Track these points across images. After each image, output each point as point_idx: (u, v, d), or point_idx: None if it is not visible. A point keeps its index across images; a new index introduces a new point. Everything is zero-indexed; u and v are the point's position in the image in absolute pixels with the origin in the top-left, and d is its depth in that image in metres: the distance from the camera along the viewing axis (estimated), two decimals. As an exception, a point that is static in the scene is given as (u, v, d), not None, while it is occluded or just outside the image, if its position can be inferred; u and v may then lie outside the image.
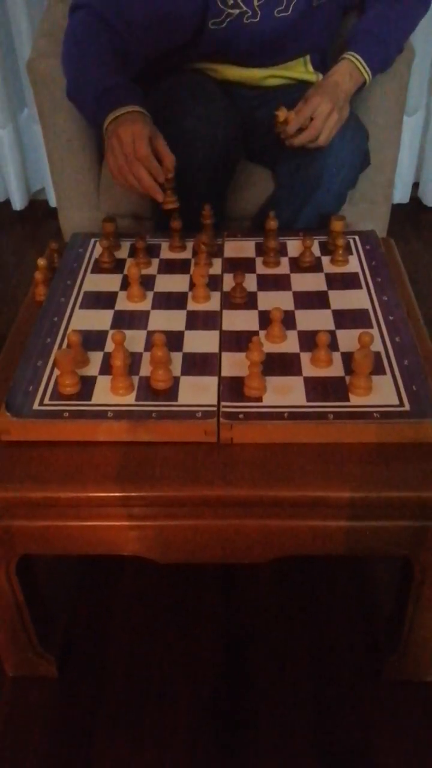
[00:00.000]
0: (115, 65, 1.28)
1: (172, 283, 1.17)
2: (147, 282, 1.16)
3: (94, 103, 1.25)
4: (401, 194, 2.32)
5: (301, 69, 1.46)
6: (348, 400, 0.93)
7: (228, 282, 1.15)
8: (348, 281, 1.16)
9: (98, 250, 1.24)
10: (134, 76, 1.33)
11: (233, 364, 0.99)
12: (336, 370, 0.97)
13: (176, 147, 1.29)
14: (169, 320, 1.08)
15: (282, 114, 1.26)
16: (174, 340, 1.02)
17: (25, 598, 1.01)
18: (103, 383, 0.96)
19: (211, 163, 1.32)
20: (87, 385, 0.96)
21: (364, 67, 1.32)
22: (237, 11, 1.28)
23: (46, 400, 0.94)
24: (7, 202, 2.41)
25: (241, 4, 1.27)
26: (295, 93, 1.34)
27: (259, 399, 0.93)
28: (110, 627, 1.19)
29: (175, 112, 1.31)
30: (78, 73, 1.31)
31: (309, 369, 0.98)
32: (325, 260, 1.21)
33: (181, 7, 1.28)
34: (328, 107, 1.25)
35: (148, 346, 1.01)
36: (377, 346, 1.01)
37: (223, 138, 1.31)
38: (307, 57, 1.45)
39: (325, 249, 1.24)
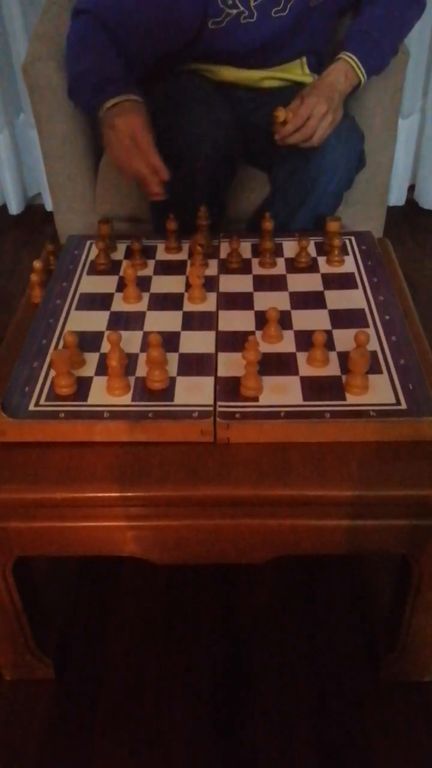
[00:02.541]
0: (116, 58, 1.30)
1: (168, 284, 1.17)
2: (143, 283, 1.16)
3: (91, 91, 1.26)
4: (397, 196, 2.32)
5: (297, 71, 1.46)
6: (344, 399, 0.93)
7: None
8: (344, 281, 1.16)
9: (94, 251, 1.24)
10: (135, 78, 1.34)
11: (229, 364, 0.99)
12: (332, 369, 0.97)
13: (180, 150, 1.30)
14: (165, 321, 1.08)
15: (281, 114, 1.27)
16: (170, 341, 1.02)
17: (22, 600, 1.00)
18: (99, 384, 0.96)
19: (214, 165, 1.32)
20: (83, 386, 0.96)
21: (359, 68, 1.32)
22: (235, 11, 1.29)
23: (42, 401, 0.94)
24: (4, 207, 2.41)
25: (239, 4, 1.28)
26: (291, 95, 1.34)
27: (256, 399, 0.93)
28: (108, 629, 1.19)
29: (177, 116, 1.32)
30: (79, 68, 1.32)
31: (305, 368, 0.98)
32: (321, 261, 1.21)
33: (183, 10, 1.28)
34: (324, 108, 1.25)
35: (144, 346, 1.01)
36: (373, 345, 1.01)
37: (226, 140, 1.32)
38: (304, 59, 1.45)
39: (321, 250, 1.24)
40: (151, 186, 1.18)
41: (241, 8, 1.29)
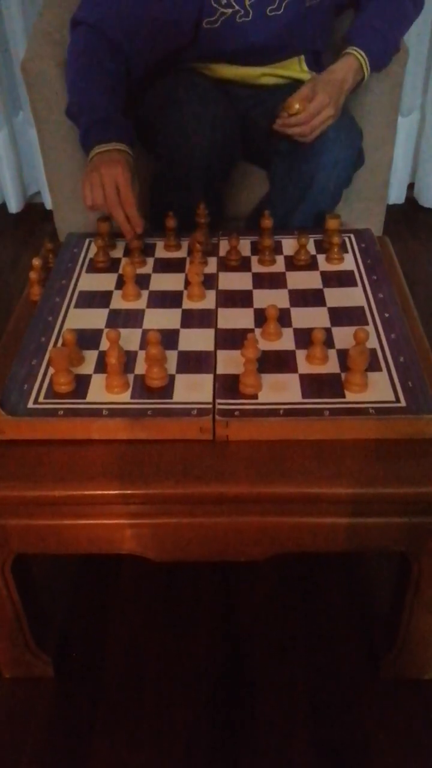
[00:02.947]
0: (112, 88, 1.30)
1: (167, 282, 1.16)
2: (142, 281, 1.16)
3: (84, 130, 1.27)
4: (396, 194, 2.32)
5: (295, 68, 1.46)
6: (344, 396, 0.93)
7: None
8: (343, 279, 1.16)
9: (93, 249, 1.24)
10: (134, 79, 1.34)
11: (228, 361, 0.99)
12: (331, 367, 0.97)
13: (176, 147, 1.29)
14: (165, 319, 1.08)
15: (296, 106, 1.25)
16: (169, 339, 1.02)
17: (21, 598, 1.00)
18: (98, 381, 0.96)
19: (211, 163, 1.32)
20: (82, 384, 0.96)
21: (366, 64, 1.32)
22: (230, 10, 1.29)
23: (41, 399, 0.94)
24: (3, 206, 2.41)
25: (234, 3, 1.28)
26: (290, 93, 1.34)
27: (255, 396, 0.93)
28: (107, 627, 1.19)
29: (174, 114, 1.32)
30: (76, 95, 1.32)
31: (304, 366, 0.98)
32: (321, 258, 1.21)
33: (178, 11, 1.29)
34: (332, 111, 1.26)
35: (143, 344, 1.01)
36: (373, 342, 1.01)
37: (223, 138, 1.32)
38: (302, 57, 1.45)
39: (321, 247, 1.24)
40: (126, 233, 1.21)
41: (236, 7, 1.28)
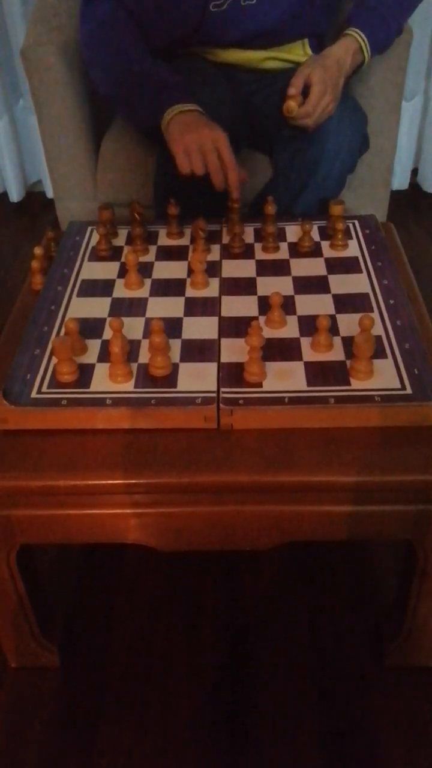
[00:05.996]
0: (154, 54, 1.29)
1: (170, 270, 1.16)
2: (145, 269, 1.15)
3: (153, 95, 1.25)
4: (400, 180, 2.31)
5: (299, 52, 1.44)
6: (349, 384, 0.92)
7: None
8: (348, 265, 1.15)
9: (95, 237, 1.23)
10: None
11: (233, 350, 0.98)
12: (337, 354, 0.96)
13: None
14: (168, 307, 1.07)
15: (294, 108, 1.25)
16: (173, 327, 1.01)
17: (26, 588, 1.00)
18: (101, 371, 0.95)
19: None
20: (85, 373, 0.95)
21: (366, 47, 1.30)
22: None
23: (44, 389, 0.93)
24: (4, 194, 2.40)
25: None
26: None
27: (259, 384, 0.92)
28: (112, 616, 1.19)
29: None
30: (123, 65, 1.29)
31: (309, 354, 0.97)
32: (325, 245, 1.20)
33: None
34: (331, 97, 1.25)
35: (147, 333, 1.00)
36: (378, 329, 1.00)
37: (229, 122, 1.30)
38: (306, 40, 1.43)
39: (325, 234, 1.22)
40: (231, 190, 1.19)
41: None
